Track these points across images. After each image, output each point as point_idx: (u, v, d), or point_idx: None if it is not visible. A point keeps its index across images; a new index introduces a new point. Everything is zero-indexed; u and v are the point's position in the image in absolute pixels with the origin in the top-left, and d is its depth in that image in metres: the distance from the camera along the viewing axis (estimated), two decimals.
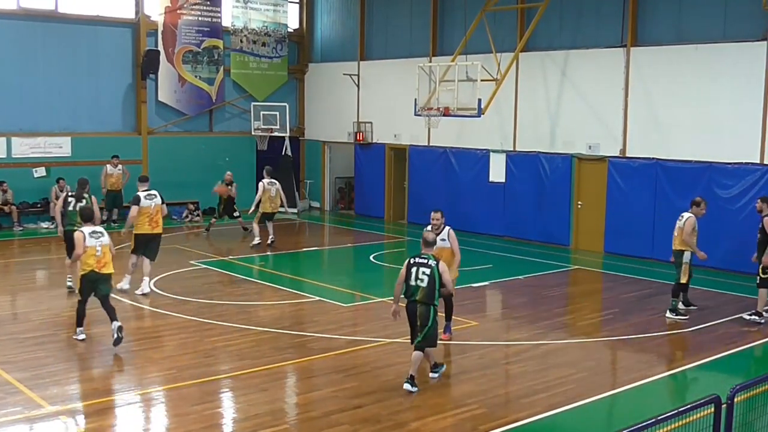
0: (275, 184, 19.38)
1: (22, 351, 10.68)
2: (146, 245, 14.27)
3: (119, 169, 21.59)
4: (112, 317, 10.93)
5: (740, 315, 13.19)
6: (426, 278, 9.37)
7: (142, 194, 14.28)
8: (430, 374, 9.83)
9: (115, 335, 10.74)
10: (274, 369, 10.10)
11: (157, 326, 12.16)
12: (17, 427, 8.17)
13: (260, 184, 19.36)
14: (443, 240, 11.25)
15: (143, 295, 13.87)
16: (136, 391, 9.27)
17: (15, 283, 15.16)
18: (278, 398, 9.33)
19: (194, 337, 11.47)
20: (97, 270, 10.98)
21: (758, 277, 12.69)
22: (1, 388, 9.17)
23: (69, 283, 14.15)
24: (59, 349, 10.87)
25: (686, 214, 13.33)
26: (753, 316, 12.70)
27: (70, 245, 12.76)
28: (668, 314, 13.05)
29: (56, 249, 18.39)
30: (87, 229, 11.04)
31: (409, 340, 9.72)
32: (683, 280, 13.12)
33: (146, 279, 14.14)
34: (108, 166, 21.42)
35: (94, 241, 10.92)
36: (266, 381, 9.64)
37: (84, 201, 13.68)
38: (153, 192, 14.50)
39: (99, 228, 11.19)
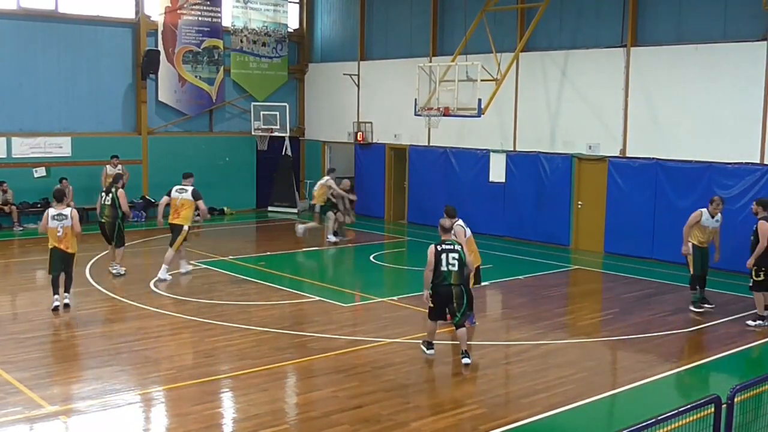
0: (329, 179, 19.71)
1: (22, 351, 10.68)
2: (171, 233, 15.63)
3: (119, 169, 21.57)
4: (67, 289, 12.74)
5: (744, 320, 13.17)
6: (456, 262, 10.18)
7: (175, 187, 15.70)
8: (465, 359, 10.24)
9: (62, 304, 12.63)
10: (274, 369, 10.10)
11: (157, 326, 12.16)
12: (17, 427, 8.17)
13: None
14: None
15: (160, 281, 14.79)
16: (136, 391, 9.26)
17: (15, 283, 15.16)
18: (278, 398, 9.33)
19: (194, 337, 11.47)
20: (59, 247, 12.59)
21: (751, 280, 12.53)
22: (1, 388, 9.17)
23: (114, 270, 15.52)
24: (59, 349, 10.88)
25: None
26: (758, 321, 12.54)
27: (104, 234, 15.51)
28: (690, 307, 13.53)
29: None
30: (53, 211, 12.59)
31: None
32: (692, 272, 13.56)
33: (164, 267, 15.18)
34: (108, 166, 21.42)
35: (57, 223, 12.52)
36: (266, 381, 9.64)
37: (111, 195, 15.54)
38: (185, 187, 15.65)
39: (65, 211, 12.63)
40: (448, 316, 10.44)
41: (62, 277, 12.79)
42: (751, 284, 12.56)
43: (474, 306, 11.90)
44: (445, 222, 10.64)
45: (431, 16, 22.59)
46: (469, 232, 11.99)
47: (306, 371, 10.23)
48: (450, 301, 10.24)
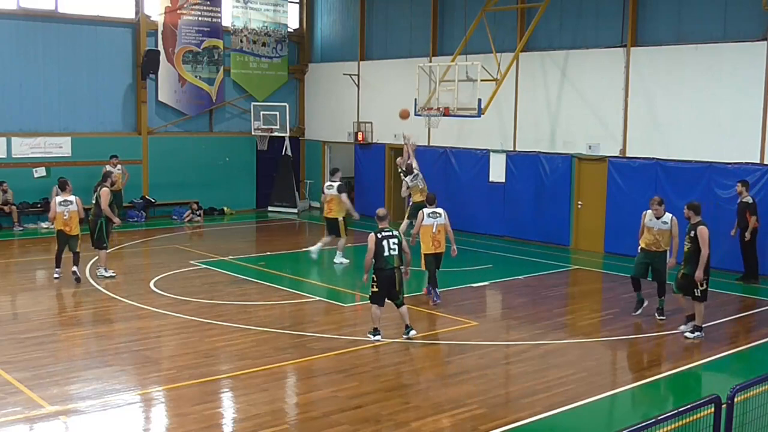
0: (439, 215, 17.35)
1: (22, 351, 10.68)
2: (328, 227, 17.27)
3: (118, 169, 21.58)
4: (75, 263, 14.74)
5: (744, 320, 13.20)
6: (396, 247, 11.12)
7: (326, 184, 17.13)
8: (411, 332, 11.25)
9: (73, 276, 14.64)
10: (274, 369, 10.10)
11: (157, 326, 12.16)
12: (17, 427, 8.17)
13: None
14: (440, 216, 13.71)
15: (336, 264, 16.85)
16: (136, 391, 9.26)
17: (15, 283, 15.16)
18: (278, 398, 9.33)
19: (194, 337, 11.47)
20: (63, 230, 14.68)
21: (697, 291, 11.65)
22: (1, 388, 9.17)
23: (99, 274, 15.25)
24: (59, 349, 10.88)
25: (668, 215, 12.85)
26: (697, 333, 11.69)
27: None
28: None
29: (56, 249, 18.39)
30: (59, 198, 14.72)
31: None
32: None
33: (338, 253, 17.16)
34: (107, 166, 21.41)
35: (63, 208, 14.60)
36: (266, 381, 9.64)
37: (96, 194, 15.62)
38: (332, 183, 17.06)
39: (70, 198, 14.74)
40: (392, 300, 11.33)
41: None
42: (698, 294, 11.66)
43: (437, 283, 13.65)
44: (381, 211, 11.59)
45: (431, 16, 22.59)
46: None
47: (306, 371, 10.23)
48: (393, 284, 11.13)
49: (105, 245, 15.28)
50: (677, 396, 9.87)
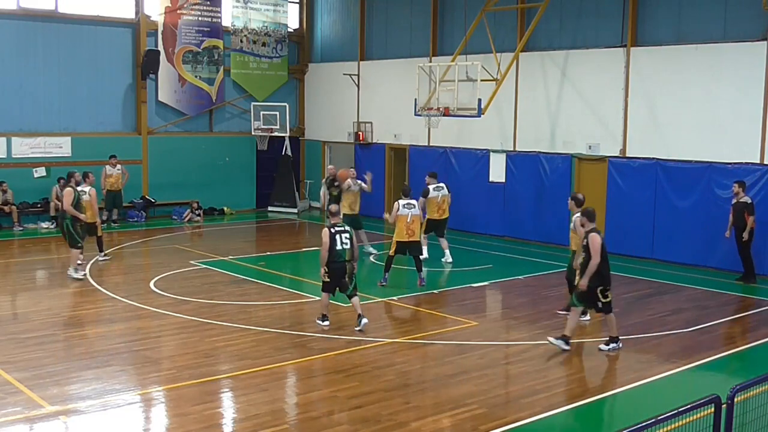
0: (442, 188, 17.35)
1: (22, 351, 10.68)
2: (436, 229, 17.26)
3: (118, 169, 21.59)
4: (100, 249, 16.61)
5: (744, 320, 13.19)
6: (348, 241, 11.73)
7: (431, 186, 17.04)
8: (363, 321, 11.70)
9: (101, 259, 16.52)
10: (274, 369, 10.10)
11: (157, 326, 12.16)
12: (17, 427, 8.17)
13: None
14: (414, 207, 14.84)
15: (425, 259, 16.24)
16: (136, 391, 9.26)
17: (15, 283, 15.16)
18: (278, 398, 9.33)
19: (194, 337, 11.46)
20: (89, 221, 15.77)
21: (600, 303, 10.91)
22: (1, 388, 9.16)
23: (70, 274, 15.05)
24: (59, 349, 10.88)
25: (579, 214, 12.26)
26: (612, 344, 11.01)
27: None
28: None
29: (56, 249, 18.41)
30: (79, 188, 15.50)
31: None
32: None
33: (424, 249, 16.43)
34: (107, 166, 21.43)
35: (85, 196, 15.69)
36: (266, 381, 9.63)
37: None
38: (440, 184, 17.25)
39: (86, 188, 15.84)
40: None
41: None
42: (600, 306, 10.95)
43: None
44: (333, 207, 12.33)
45: (431, 16, 22.59)
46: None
47: (306, 371, 10.22)
48: (344, 275, 11.74)
49: (80, 245, 15.13)
50: (677, 396, 9.86)
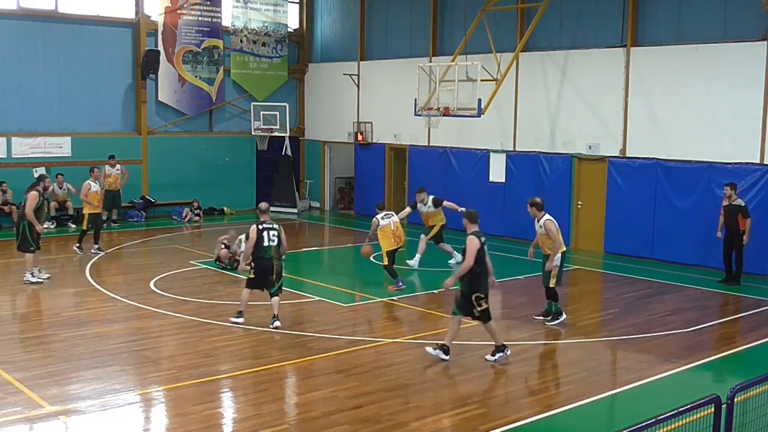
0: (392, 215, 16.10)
1: (22, 351, 10.69)
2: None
3: (117, 169, 21.58)
4: (96, 241, 17.80)
5: (743, 320, 13.17)
6: (276, 239, 11.91)
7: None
8: (276, 323, 11.76)
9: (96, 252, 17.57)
10: (274, 369, 10.10)
11: (157, 326, 12.16)
12: (17, 427, 8.17)
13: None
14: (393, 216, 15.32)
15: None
16: (136, 391, 9.26)
17: (15, 283, 15.14)
18: (278, 398, 9.33)
19: (194, 337, 11.46)
20: (99, 211, 17.78)
21: (476, 311, 10.38)
22: (1, 388, 9.16)
23: (26, 279, 14.85)
24: (59, 349, 10.87)
25: (548, 216, 12.42)
26: (499, 354, 10.48)
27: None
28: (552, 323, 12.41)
29: (56, 249, 18.41)
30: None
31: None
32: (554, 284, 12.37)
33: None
34: (106, 166, 21.43)
35: (96, 187, 17.89)
36: (266, 381, 9.64)
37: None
38: (390, 212, 16.21)
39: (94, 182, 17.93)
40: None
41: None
42: (477, 314, 10.40)
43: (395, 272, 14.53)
44: (263, 205, 12.36)
45: (431, 16, 22.59)
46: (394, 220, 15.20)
47: (306, 371, 10.22)
48: (270, 273, 11.88)
49: (32, 248, 14.75)
50: (677, 396, 9.87)
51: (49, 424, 8.29)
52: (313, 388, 9.63)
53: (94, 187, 17.77)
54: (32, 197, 14.62)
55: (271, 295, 12.04)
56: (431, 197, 16.87)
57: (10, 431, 8.06)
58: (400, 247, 15.25)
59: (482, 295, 10.30)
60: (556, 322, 12.42)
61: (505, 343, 10.57)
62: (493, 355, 10.43)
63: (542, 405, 8.96)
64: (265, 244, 11.85)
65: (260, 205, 12.52)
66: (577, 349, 11.26)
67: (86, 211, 17.65)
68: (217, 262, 16.48)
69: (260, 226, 11.95)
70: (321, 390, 9.44)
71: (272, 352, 10.79)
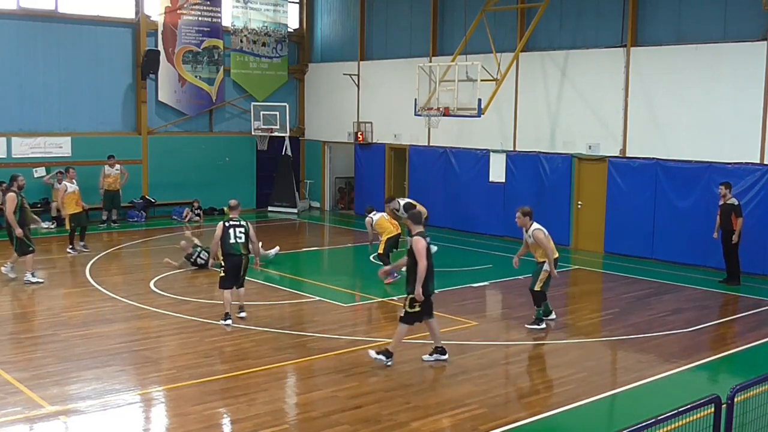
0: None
1: (22, 351, 10.69)
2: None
3: (116, 169, 21.58)
4: (82, 238, 17.97)
5: (743, 320, 13.19)
6: (243, 236, 12.15)
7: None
8: (242, 313, 12.23)
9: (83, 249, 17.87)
10: (274, 369, 10.10)
11: (157, 326, 12.16)
12: (17, 427, 8.17)
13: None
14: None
15: None
16: (136, 391, 9.26)
17: (15, 283, 15.14)
18: (278, 398, 9.33)
19: (194, 337, 11.46)
20: (80, 210, 17.73)
21: (403, 311, 10.20)
22: (1, 388, 9.16)
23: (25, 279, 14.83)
24: (59, 349, 10.87)
25: (536, 225, 11.97)
26: (435, 355, 10.32)
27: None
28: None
29: (56, 249, 18.41)
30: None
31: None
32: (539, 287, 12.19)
33: None
34: (105, 166, 21.44)
35: (74, 187, 17.91)
36: (266, 381, 9.64)
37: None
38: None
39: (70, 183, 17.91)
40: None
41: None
42: (402, 314, 10.18)
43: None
44: (232, 202, 12.79)
45: (431, 16, 22.59)
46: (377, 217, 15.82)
47: (306, 371, 10.23)
48: (239, 269, 12.09)
49: (31, 249, 14.75)
50: (677, 396, 9.87)
51: (49, 424, 8.29)
52: (313, 388, 9.63)
53: (71, 188, 17.73)
54: (10, 199, 14.52)
55: (237, 287, 12.30)
56: (402, 203, 16.78)
57: (10, 431, 8.06)
58: (399, 234, 15.58)
59: (416, 299, 9.91)
60: (535, 327, 12.09)
61: (391, 350, 10.15)
62: (380, 354, 10.09)
63: (542, 405, 8.96)
64: (232, 241, 12.07)
65: (230, 202, 12.85)
66: (577, 349, 11.26)
67: (68, 212, 17.68)
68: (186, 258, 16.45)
69: (227, 223, 12.22)
70: (321, 390, 9.44)
71: (272, 352, 10.79)
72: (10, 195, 14.60)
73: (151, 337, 11.63)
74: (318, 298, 14.07)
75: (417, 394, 9.32)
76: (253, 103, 25.27)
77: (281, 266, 17.22)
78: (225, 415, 8.77)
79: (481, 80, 18.02)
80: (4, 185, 20.60)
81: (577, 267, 17.64)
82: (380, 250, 15.55)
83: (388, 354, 10.12)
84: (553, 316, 12.62)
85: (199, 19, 24.17)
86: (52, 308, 13.15)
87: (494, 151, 21.01)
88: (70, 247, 17.76)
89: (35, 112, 21.74)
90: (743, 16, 16.54)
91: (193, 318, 12.44)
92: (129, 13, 23.17)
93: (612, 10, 18.64)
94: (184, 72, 23.99)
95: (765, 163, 16.22)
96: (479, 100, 17.90)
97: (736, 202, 15.35)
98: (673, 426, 5.55)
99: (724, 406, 5.76)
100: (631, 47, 18.22)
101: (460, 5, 21.12)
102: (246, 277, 12.57)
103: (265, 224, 23.72)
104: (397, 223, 15.93)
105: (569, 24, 19.63)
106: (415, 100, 19.46)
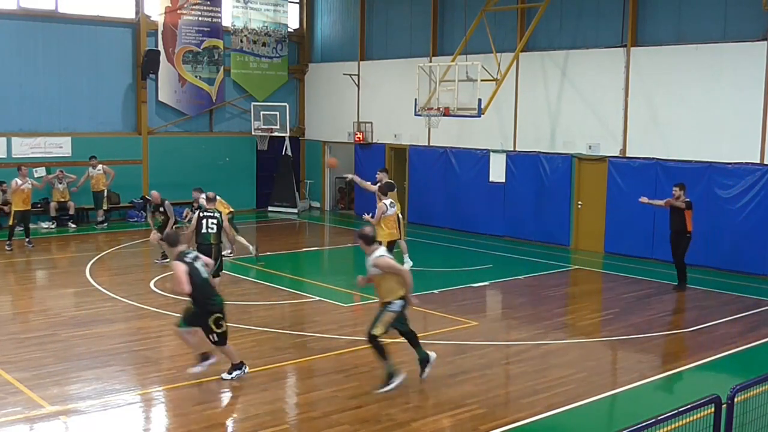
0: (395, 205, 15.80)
1: (22, 351, 10.68)
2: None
3: (99, 170, 21.53)
4: (27, 235, 18.38)
5: (743, 320, 13.18)
6: (215, 226, 12.88)
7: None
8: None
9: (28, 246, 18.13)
10: (274, 369, 10.10)
11: (157, 326, 12.16)
12: (17, 427, 8.17)
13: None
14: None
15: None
16: (136, 391, 9.26)
17: (15, 283, 15.16)
18: (278, 398, 9.33)
19: (194, 337, 11.43)
20: (27, 208, 18.24)
21: (214, 334, 9.35)
22: (1, 388, 9.17)
23: None
24: (59, 349, 10.87)
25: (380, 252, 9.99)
26: (236, 372, 9.53)
27: None
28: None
29: (56, 249, 18.41)
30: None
31: None
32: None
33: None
34: (89, 168, 21.44)
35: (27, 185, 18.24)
36: (266, 381, 9.63)
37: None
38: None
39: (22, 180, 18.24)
40: None
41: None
42: (215, 339, 9.38)
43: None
44: (209, 194, 13.53)
45: (431, 16, 22.59)
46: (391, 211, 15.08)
47: (306, 371, 10.23)
48: (210, 257, 11.85)
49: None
50: (677, 396, 9.87)
51: (49, 424, 8.29)
52: (313, 388, 9.63)
53: (23, 185, 18.18)
54: None
55: (214, 276, 12.29)
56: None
57: (10, 431, 8.06)
58: (395, 240, 15.42)
59: (221, 316, 9.35)
60: (386, 388, 9.29)
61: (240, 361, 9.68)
62: (229, 372, 9.53)
63: (542, 405, 8.96)
64: (203, 231, 12.82)
65: (207, 193, 13.64)
66: (577, 349, 11.26)
67: (14, 207, 18.14)
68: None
69: (201, 214, 12.98)
70: (321, 390, 9.44)
71: (272, 352, 10.79)
72: None
73: (151, 337, 11.63)
74: (318, 298, 14.07)
75: (417, 394, 9.31)
76: (253, 103, 25.27)
77: (281, 266, 17.22)
78: (225, 415, 8.77)
79: (481, 80, 18.02)
80: (5, 185, 20.75)
81: (577, 267, 17.64)
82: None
83: (239, 366, 9.58)
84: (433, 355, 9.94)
85: (199, 19, 24.17)
86: (52, 308, 13.14)
87: (494, 151, 21.01)
88: (8, 243, 18.03)
89: (35, 112, 21.74)
90: (743, 16, 16.54)
91: None
92: (129, 13, 23.17)
93: (612, 10, 18.64)
94: (184, 72, 23.99)
95: (765, 163, 16.22)
96: (479, 100, 17.90)
97: (689, 201, 14.82)
98: (673, 426, 5.55)
99: (724, 406, 5.76)
100: (631, 47, 18.22)
101: (460, 5, 21.12)
102: (224, 271, 13.31)
103: (265, 224, 23.72)
104: (398, 226, 15.62)
105: (569, 24, 19.63)
106: (415, 100, 19.46)
